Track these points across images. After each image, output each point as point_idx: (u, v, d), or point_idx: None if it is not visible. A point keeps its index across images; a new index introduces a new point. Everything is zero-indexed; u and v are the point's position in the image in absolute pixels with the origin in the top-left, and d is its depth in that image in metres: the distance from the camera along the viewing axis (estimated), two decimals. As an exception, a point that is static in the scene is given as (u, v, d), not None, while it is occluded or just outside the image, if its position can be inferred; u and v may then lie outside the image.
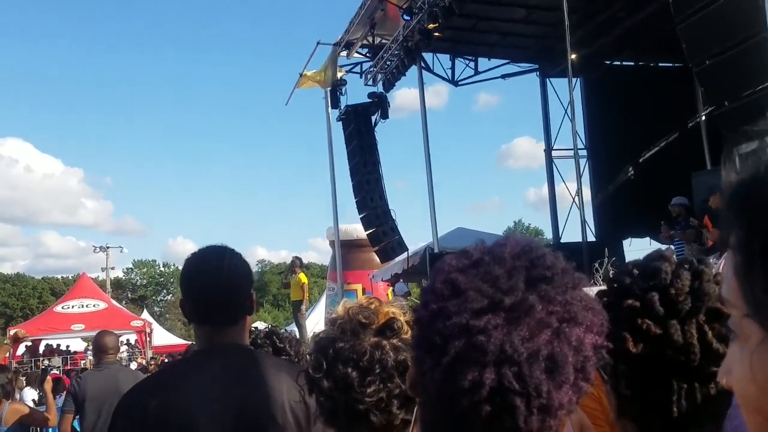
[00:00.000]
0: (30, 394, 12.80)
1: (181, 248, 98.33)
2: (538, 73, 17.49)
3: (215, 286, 2.10)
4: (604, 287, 1.32)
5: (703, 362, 1.16)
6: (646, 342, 1.18)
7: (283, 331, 3.19)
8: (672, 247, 10.23)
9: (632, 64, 17.14)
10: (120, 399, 2.17)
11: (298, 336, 14.91)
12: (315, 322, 18.89)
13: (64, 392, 11.24)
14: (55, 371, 21.04)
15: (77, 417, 5.62)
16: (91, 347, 28.30)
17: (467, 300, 0.89)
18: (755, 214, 0.59)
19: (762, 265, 0.57)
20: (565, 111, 16.09)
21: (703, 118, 14.83)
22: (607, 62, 16.77)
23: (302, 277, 15.17)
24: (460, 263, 0.94)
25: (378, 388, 1.36)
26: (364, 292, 19.98)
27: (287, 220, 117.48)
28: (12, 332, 8.47)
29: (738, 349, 0.65)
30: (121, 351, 26.74)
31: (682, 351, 1.16)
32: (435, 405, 0.93)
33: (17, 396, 8.98)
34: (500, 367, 0.86)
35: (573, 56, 12.69)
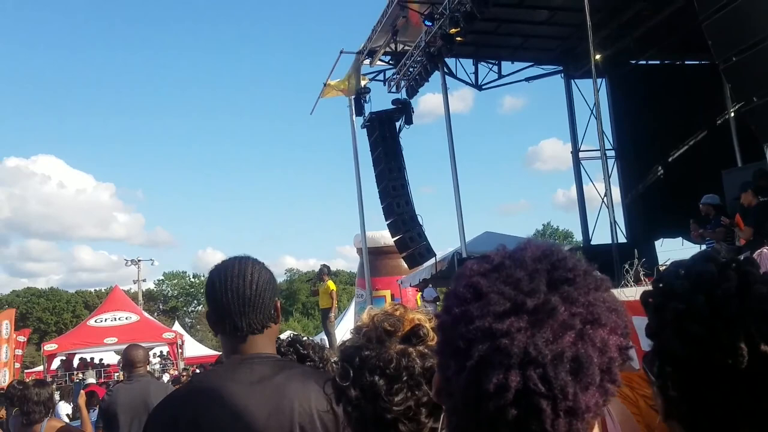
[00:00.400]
0: (64, 408, 12.96)
1: (211, 259, 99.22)
2: (562, 74, 17.42)
3: (239, 295, 2.11)
4: (645, 288, 1.30)
5: (751, 364, 1.12)
6: (692, 345, 1.15)
7: (305, 338, 3.19)
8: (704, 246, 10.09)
9: (658, 62, 16.98)
10: (151, 411, 2.19)
11: (327, 344, 14.97)
12: (344, 329, 18.93)
13: (97, 406, 11.41)
14: (91, 380, 21.30)
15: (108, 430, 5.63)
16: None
17: (489, 303, 0.88)
18: None
19: None
20: (591, 112, 16.01)
21: (732, 115, 14.65)
22: (632, 61, 16.62)
23: (330, 285, 15.19)
24: (481, 267, 0.94)
25: (406, 396, 1.35)
26: (392, 298, 20.02)
27: (314, 228, 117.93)
28: None
29: None
30: (153, 363, 27.06)
31: (729, 354, 1.13)
32: (461, 410, 0.92)
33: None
34: (525, 370, 0.85)
35: (597, 56, 12.63)
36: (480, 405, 0.88)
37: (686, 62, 16.87)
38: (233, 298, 2.11)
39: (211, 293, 2.18)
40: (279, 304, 2.24)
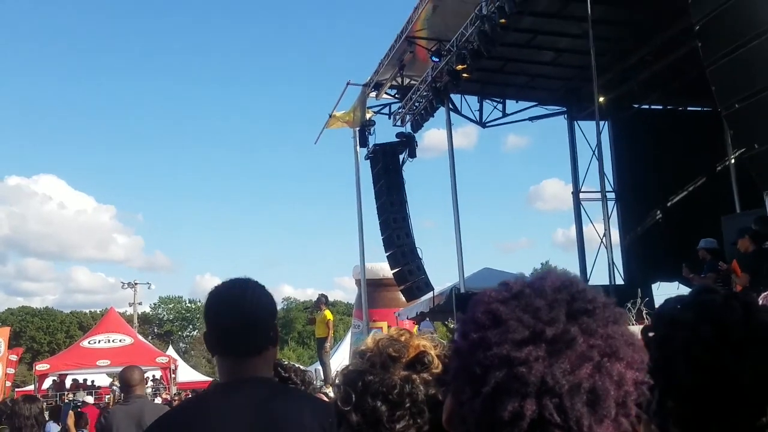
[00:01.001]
0: (54, 429, 12.83)
1: (208, 285, 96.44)
2: (565, 115, 17.58)
3: (238, 316, 2.09)
4: (644, 324, 1.30)
5: (758, 394, 1.14)
6: (700, 373, 1.16)
7: (286, 361, 3.21)
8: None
9: (660, 107, 17.16)
10: (147, 427, 2.19)
11: (322, 374, 14.88)
12: (340, 360, 18.84)
13: (86, 427, 11.28)
14: (89, 399, 21.10)
15: None
16: (117, 382, 28.48)
17: (508, 330, 0.88)
18: None
19: None
20: (593, 153, 16.15)
21: (732, 161, 14.77)
22: (635, 105, 16.80)
23: (327, 314, 15.16)
24: (500, 295, 0.94)
25: (408, 424, 1.33)
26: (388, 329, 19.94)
27: (314, 258, 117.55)
28: None
29: None
30: (146, 386, 26.84)
31: (736, 382, 1.14)
32: None
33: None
34: (541, 399, 0.85)
35: (601, 99, 12.78)
36: None
37: (688, 108, 17.07)
38: (232, 319, 2.09)
39: (210, 314, 2.16)
40: (277, 328, 2.21)
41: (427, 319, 16.91)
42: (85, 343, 27.96)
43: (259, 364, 2.11)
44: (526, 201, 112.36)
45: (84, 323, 65.91)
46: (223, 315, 2.13)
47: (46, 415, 14.21)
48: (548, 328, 0.87)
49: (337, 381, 1.42)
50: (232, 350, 2.11)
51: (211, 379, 35.38)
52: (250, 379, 2.08)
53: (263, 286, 2.20)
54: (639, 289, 10.32)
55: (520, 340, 0.87)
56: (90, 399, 21.70)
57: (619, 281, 15.10)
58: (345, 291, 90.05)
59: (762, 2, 7.69)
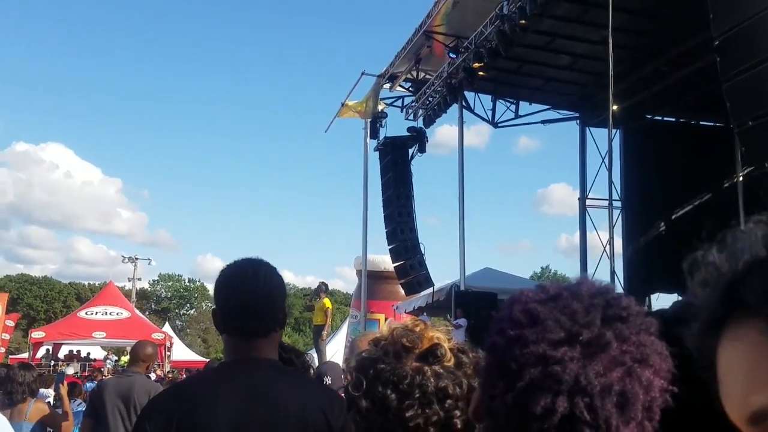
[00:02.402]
0: (46, 395, 12.88)
1: (210, 265, 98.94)
2: (578, 121, 17.57)
3: (250, 296, 2.09)
4: None
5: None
6: (697, 390, 1.19)
7: (287, 343, 3.22)
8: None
9: (673, 120, 17.15)
10: (149, 402, 2.19)
11: (316, 361, 14.95)
12: (335, 348, 18.94)
13: (78, 397, 11.31)
14: (71, 371, 21.16)
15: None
16: (110, 356, 28.56)
17: (546, 330, 0.91)
18: None
19: None
20: (603, 161, 16.15)
21: (741, 178, 14.77)
22: (648, 116, 16.80)
23: (327, 302, 15.18)
24: (538, 296, 0.97)
25: (416, 413, 1.33)
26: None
27: (316, 246, 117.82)
28: None
29: None
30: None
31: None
32: (502, 429, 0.95)
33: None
34: (573, 397, 0.88)
35: (614, 107, 12.77)
36: (523, 426, 0.91)
37: (700, 122, 17.05)
38: (244, 298, 2.10)
39: (220, 292, 2.16)
40: (286, 310, 2.22)
41: (425, 314, 16.97)
42: (82, 314, 28.08)
43: (265, 346, 2.11)
44: (533, 204, 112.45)
45: (82, 295, 66.02)
46: (234, 293, 2.13)
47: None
48: (584, 330, 0.91)
49: (351, 367, 1.43)
50: (240, 330, 2.11)
51: (205, 359, 35.53)
52: (255, 359, 2.08)
53: (275, 268, 2.20)
54: (646, 299, 10.36)
55: (557, 340, 0.90)
56: (72, 371, 21.71)
57: (620, 290, 15.13)
58: (345, 281, 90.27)
59: (783, 21, 7.70)
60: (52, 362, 26.43)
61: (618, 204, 16.43)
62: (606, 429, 0.88)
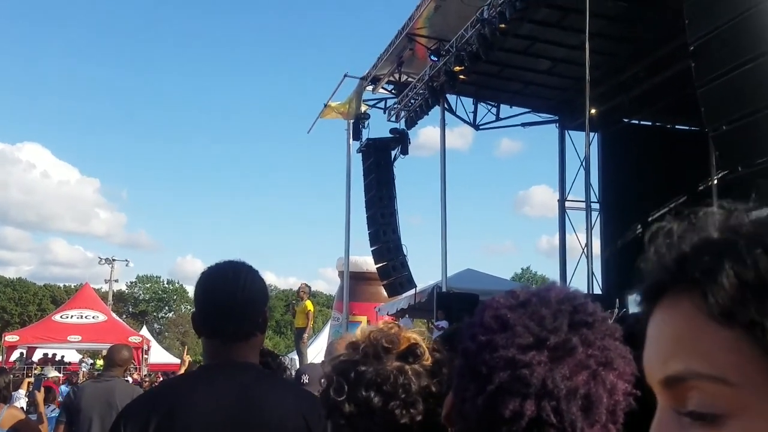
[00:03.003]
0: (19, 397, 12.64)
1: (189, 267, 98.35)
2: (557, 124, 17.80)
3: (230, 299, 2.06)
4: None
5: None
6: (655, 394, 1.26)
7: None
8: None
9: (649, 123, 17.43)
10: (126, 405, 2.17)
11: (298, 364, 14.95)
12: (317, 351, 18.94)
13: (53, 402, 11.15)
14: (55, 374, 20.98)
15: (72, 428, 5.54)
16: (85, 359, 28.23)
17: (515, 335, 0.94)
18: None
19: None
20: (581, 163, 16.38)
21: (715, 182, 15.05)
22: (625, 120, 17.05)
23: (308, 305, 15.13)
24: (508, 302, 1.00)
25: (401, 414, 1.34)
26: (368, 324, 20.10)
27: (299, 247, 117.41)
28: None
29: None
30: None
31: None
32: None
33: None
34: (540, 401, 0.91)
35: (592, 111, 12.99)
36: (493, 429, 0.94)
37: (676, 126, 17.34)
38: (223, 301, 2.07)
39: (200, 294, 2.13)
40: (267, 315, 2.18)
41: (407, 316, 17.06)
42: (57, 317, 27.62)
43: (245, 350, 2.08)
44: (514, 205, 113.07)
45: (57, 297, 65.20)
46: (214, 296, 2.10)
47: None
48: (552, 335, 0.94)
49: (328, 372, 1.42)
50: (219, 333, 2.07)
51: (184, 361, 35.06)
52: (235, 363, 2.05)
53: (257, 271, 2.18)
54: (617, 300, 10.53)
55: (526, 345, 0.93)
56: (56, 374, 21.46)
57: (597, 291, 15.39)
58: (328, 282, 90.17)
59: (756, 28, 7.87)
60: (26, 366, 26.07)
61: (596, 206, 16.67)
62: (572, 431, 0.91)
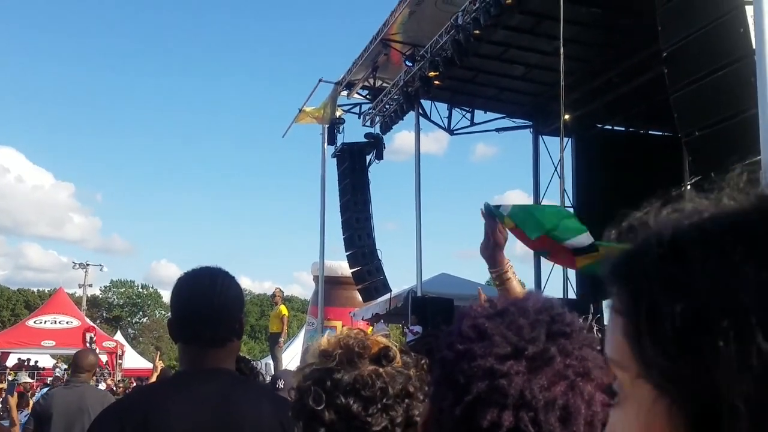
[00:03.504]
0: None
1: (164, 272, 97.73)
2: (531, 129, 17.86)
3: (205, 304, 2.06)
4: None
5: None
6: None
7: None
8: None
9: (623, 129, 17.55)
10: (99, 413, 2.15)
11: (272, 369, 14.85)
12: (292, 355, 18.85)
13: (26, 408, 11.05)
14: (26, 380, 20.73)
15: None
16: (59, 364, 27.96)
17: (493, 344, 0.93)
18: (638, 280, 0.62)
19: (648, 328, 0.59)
20: (555, 169, 16.45)
21: (689, 187, 15.17)
22: (599, 125, 17.16)
23: (283, 309, 15.13)
24: (485, 311, 0.99)
25: (382, 417, 1.34)
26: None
27: (274, 252, 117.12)
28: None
29: (623, 414, 0.63)
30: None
31: None
32: None
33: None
34: (518, 411, 0.90)
35: (566, 117, 13.03)
36: None
37: (650, 132, 17.48)
38: (199, 307, 2.07)
39: (176, 300, 2.14)
40: (243, 321, 2.19)
41: (382, 321, 17.03)
42: (30, 323, 27.46)
43: (221, 356, 2.08)
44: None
45: (31, 302, 64.50)
46: (190, 302, 2.10)
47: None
48: (530, 345, 0.93)
49: (299, 382, 1.41)
50: (195, 339, 2.08)
51: (158, 367, 34.71)
52: (211, 370, 2.05)
53: (233, 277, 2.18)
54: (591, 305, 10.57)
55: (503, 354, 0.92)
56: (27, 379, 21.16)
57: (572, 296, 15.43)
58: (303, 287, 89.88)
59: (728, 35, 7.93)
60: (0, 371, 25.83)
61: (571, 211, 16.73)
62: None
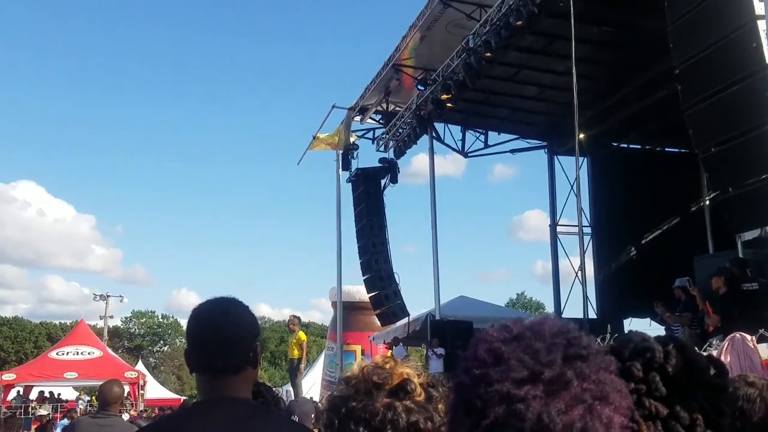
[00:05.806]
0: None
1: (184, 300, 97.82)
2: (546, 150, 17.84)
3: (218, 333, 2.08)
4: None
5: None
6: (653, 423, 1.22)
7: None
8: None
9: (638, 147, 17.48)
10: None
11: (293, 396, 14.79)
12: (312, 382, 18.79)
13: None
14: (43, 412, 20.79)
15: None
16: (82, 396, 28.01)
17: (510, 369, 0.92)
18: None
19: None
20: (572, 188, 16.37)
21: (707, 203, 15.05)
22: (614, 143, 17.11)
23: (301, 335, 15.08)
24: (501, 335, 0.98)
25: None
26: (362, 354, 19.96)
27: (292, 279, 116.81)
28: None
29: None
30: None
31: (689, 428, 1.21)
32: None
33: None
34: None
35: (581, 136, 12.99)
36: None
37: (666, 149, 17.40)
38: (211, 337, 2.10)
39: (191, 330, 2.17)
40: (258, 349, 2.20)
41: (401, 344, 16.96)
42: (53, 354, 27.51)
43: (236, 384, 2.09)
44: (509, 231, 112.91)
45: (53, 334, 64.85)
46: (202, 332, 2.12)
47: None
48: (546, 369, 0.92)
49: (323, 406, 1.46)
50: (209, 368, 2.09)
51: (180, 397, 34.82)
52: (227, 398, 2.06)
53: (246, 307, 2.20)
54: (609, 325, 10.45)
55: (520, 379, 0.92)
56: (44, 412, 21.19)
57: (592, 315, 15.28)
58: (322, 312, 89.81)
59: (741, 50, 7.90)
60: (23, 404, 25.91)
61: (588, 230, 16.64)
62: None
